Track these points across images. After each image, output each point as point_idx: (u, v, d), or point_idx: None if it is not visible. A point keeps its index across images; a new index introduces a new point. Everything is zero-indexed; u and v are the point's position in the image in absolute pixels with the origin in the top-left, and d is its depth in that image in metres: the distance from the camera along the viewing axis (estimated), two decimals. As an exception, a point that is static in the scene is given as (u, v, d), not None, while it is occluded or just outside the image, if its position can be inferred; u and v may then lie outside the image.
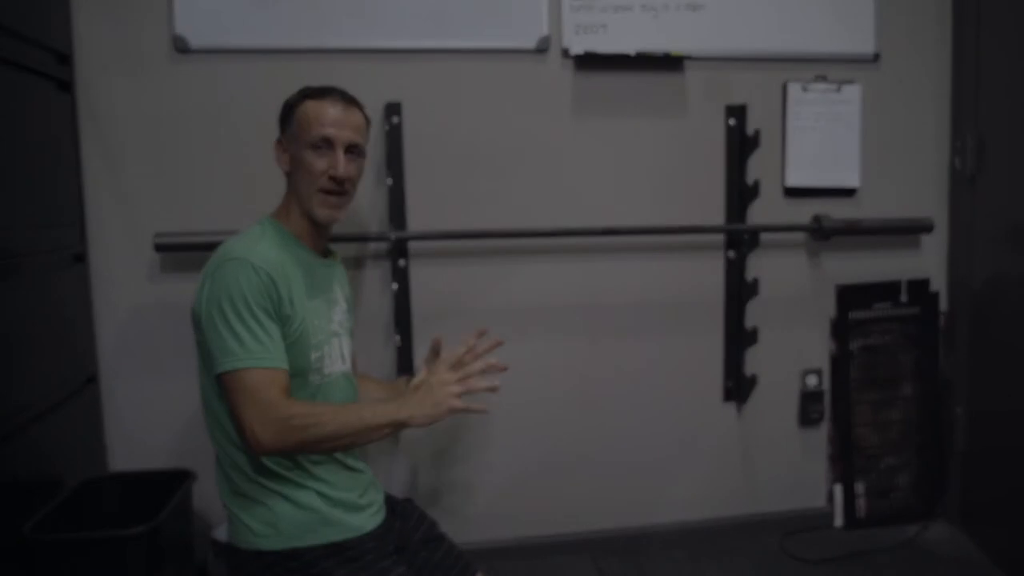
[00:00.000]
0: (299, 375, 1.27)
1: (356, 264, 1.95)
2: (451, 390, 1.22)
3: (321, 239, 1.40)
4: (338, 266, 1.49)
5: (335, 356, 1.36)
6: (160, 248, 1.79)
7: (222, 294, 1.18)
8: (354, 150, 1.35)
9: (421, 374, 1.43)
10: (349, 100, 1.36)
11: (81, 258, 1.81)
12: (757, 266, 2.12)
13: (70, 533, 1.45)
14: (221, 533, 1.75)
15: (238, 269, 1.19)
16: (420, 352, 1.95)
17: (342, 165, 1.31)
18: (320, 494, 1.27)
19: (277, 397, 1.16)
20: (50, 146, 1.68)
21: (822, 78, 2.13)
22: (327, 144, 1.31)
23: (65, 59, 1.74)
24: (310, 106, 1.33)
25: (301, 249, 1.34)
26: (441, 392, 1.21)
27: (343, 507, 1.29)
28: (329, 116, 1.32)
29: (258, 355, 1.17)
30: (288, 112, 1.36)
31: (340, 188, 1.33)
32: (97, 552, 1.41)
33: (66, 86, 1.75)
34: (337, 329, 1.39)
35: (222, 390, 1.20)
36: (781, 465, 2.24)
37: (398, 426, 1.21)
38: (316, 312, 1.32)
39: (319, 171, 1.31)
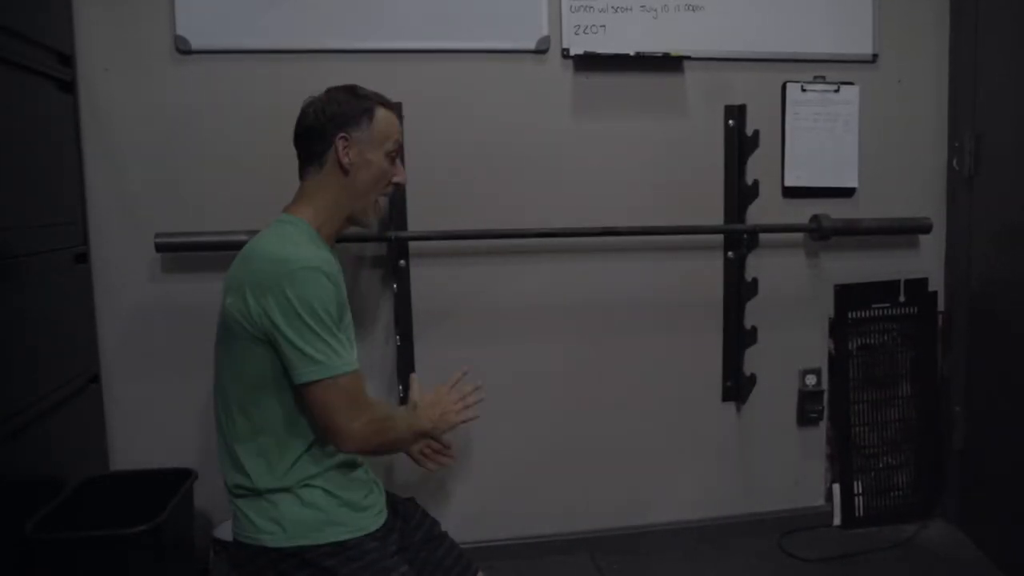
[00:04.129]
0: None
1: (356, 264, 1.95)
2: (456, 408, 1.48)
3: (333, 240, 1.42)
4: None
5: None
6: (161, 248, 1.79)
7: (301, 304, 1.19)
8: None
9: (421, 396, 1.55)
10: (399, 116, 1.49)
11: (83, 258, 1.81)
12: (756, 266, 2.12)
13: (72, 532, 1.45)
14: (222, 532, 1.75)
15: (315, 278, 1.21)
16: (420, 352, 1.96)
17: (403, 174, 1.43)
18: (326, 493, 1.28)
19: (367, 401, 1.29)
20: (52, 146, 1.69)
21: (821, 79, 2.13)
22: (399, 153, 1.41)
23: (67, 59, 1.75)
24: (388, 115, 1.39)
25: (328, 251, 1.36)
26: (448, 407, 1.47)
27: (348, 507, 1.30)
28: (398, 128, 1.41)
29: (347, 361, 1.23)
30: (364, 112, 1.34)
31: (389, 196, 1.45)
32: (99, 551, 1.42)
33: (68, 86, 1.75)
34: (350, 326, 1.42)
35: (306, 396, 1.22)
36: (780, 464, 2.25)
37: (423, 435, 1.46)
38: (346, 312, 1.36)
39: (391, 178, 1.40)
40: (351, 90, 1.38)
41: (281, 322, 1.19)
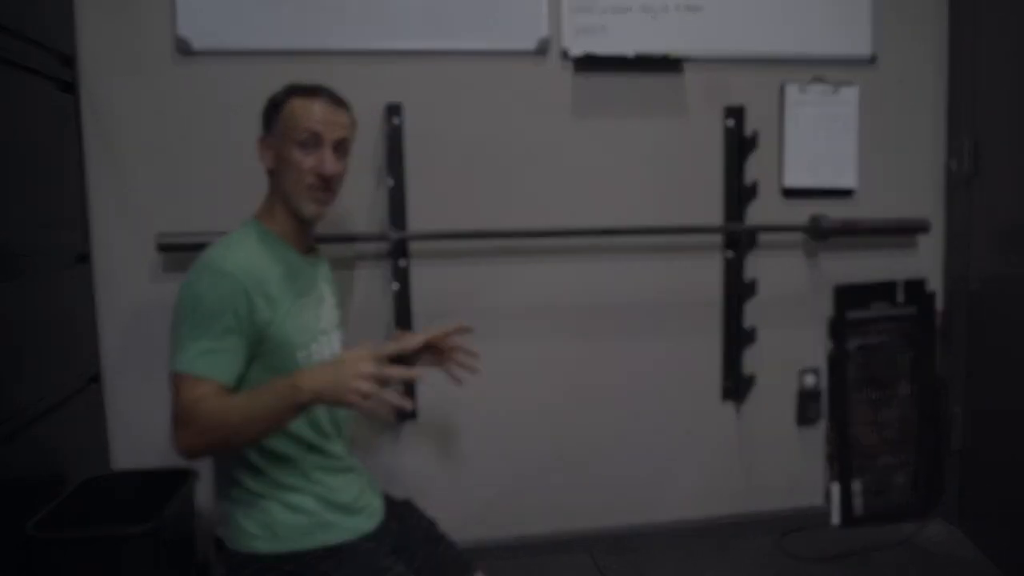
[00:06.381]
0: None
1: (356, 264, 1.95)
2: (361, 371, 1.07)
3: (306, 237, 1.39)
4: (323, 262, 1.48)
5: (325, 353, 1.35)
6: (163, 248, 1.80)
7: (189, 300, 1.19)
8: (340, 148, 1.35)
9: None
10: (337, 100, 1.36)
11: (84, 258, 1.82)
12: (755, 266, 2.13)
13: (72, 531, 1.46)
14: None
15: (211, 280, 1.19)
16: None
17: (330, 163, 1.31)
18: (317, 497, 1.28)
19: (194, 403, 1.13)
20: (53, 147, 1.69)
21: (819, 79, 2.14)
22: (315, 140, 1.30)
23: (68, 60, 1.75)
24: (297, 103, 1.32)
25: (286, 249, 1.33)
26: (350, 371, 1.07)
27: (340, 511, 1.30)
28: (317, 113, 1.31)
29: (197, 363, 1.15)
30: (274, 109, 1.35)
31: (327, 185, 1.33)
32: (99, 550, 1.42)
33: (69, 87, 1.76)
34: (326, 327, 1.39)
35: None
36: (779, 464, 2.25)
37: (297, 399, 1.09)
38: (302, 311, 1.31)
39: (306, 168, 1.30)
40: (282, 90, 1.37)
41: (174, 311, 1.20)
